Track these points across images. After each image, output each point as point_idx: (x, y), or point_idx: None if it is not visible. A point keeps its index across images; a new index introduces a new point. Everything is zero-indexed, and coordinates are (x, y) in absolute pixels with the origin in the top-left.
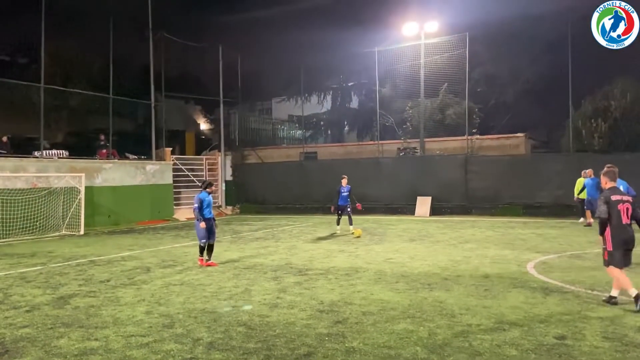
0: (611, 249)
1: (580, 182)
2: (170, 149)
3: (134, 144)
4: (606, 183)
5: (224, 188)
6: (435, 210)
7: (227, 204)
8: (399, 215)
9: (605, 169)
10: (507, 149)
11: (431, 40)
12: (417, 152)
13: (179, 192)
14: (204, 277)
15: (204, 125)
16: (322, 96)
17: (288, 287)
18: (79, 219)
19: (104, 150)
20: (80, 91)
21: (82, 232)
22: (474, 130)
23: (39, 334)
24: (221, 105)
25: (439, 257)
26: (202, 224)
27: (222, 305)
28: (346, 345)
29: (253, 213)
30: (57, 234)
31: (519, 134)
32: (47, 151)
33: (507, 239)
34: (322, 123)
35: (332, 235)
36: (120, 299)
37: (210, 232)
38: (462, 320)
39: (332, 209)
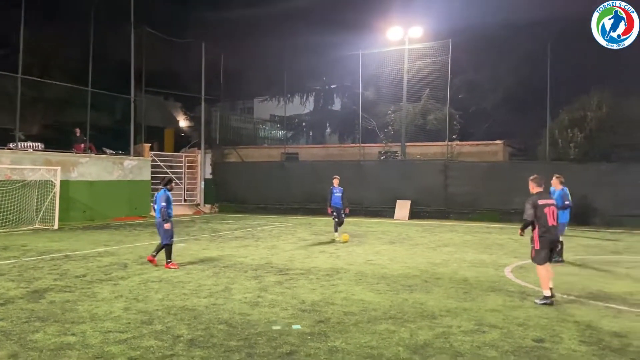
0: (538, 248)
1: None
2: (149, 145)
3: (112, 139)
4: (533, 188)
5: (203, 186)
6: (414, 214)
7: (205, 202)
8: (378, 218)
9: (532, 176)
10: (485, 155)
11: (415, 45)
12: (398, 156)
13: (157, 189)
14: (183, 274)
15: (184, 123)
16: (304, 97)
17: (269, 286)
18: (53, 213)
19: (81, 144)
20: (58, 83)
21: (56, 227)
22: (454, 136)
23: (13, 327)
24: (202, 103)
25: (419, 260)
26: (168, 225)
27: (203, 304)
28: (329, 344)
29: (232, 212)
30: (30, 227)
31: (497, 141)
32: (23, 143)
33: (485, 243)
34: (304, 124)
35: (312, 236)
36: (96, 294)
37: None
38: (443, 322)
39: (329, 210)
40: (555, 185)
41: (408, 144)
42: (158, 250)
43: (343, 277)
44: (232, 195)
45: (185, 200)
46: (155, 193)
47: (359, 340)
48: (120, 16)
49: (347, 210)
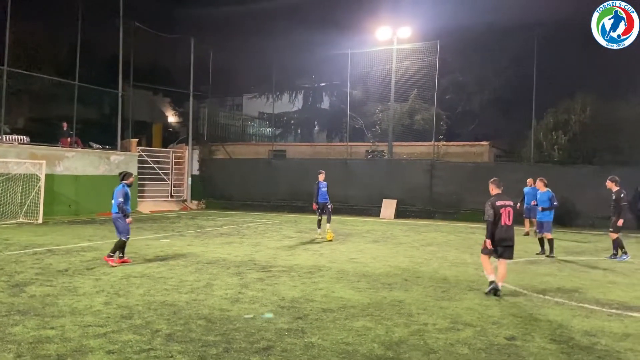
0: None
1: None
2: (137, 140)
3: (99, 133)
4: (493, 190)
5: (190, 182)
6: (400, 213)
7: (192, 198)
8: (364, 217)
9: (492, 178)
10: (471, 156)
11: (403, 46)
12: (384, 156)
13: (144, 185)
14: (165, 270)
15: (172, 118)
16: (293, 95)
17: (250, 283)
18: (37, 207)
19: (68, 139)
20: (45, 76)
21: (40, 221)
22: (440, 137)
23: None
24: (190, 99)
25: (401, 259)
26: (130, 219)
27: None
28: (305, 340)
29: (219, 209)
30: (14, 221)
31: (483, 142)
32: (8, 136)
33: (467, 243)
34: (292, 122)
35: (297, 233)
36: (78, 288)
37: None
38: (419, 320)
39: (314, 206)
40: (540, 187)
41: (395, 143)
42: (122, 249)
43: (325, 275)
44: (219, 191)
45: (172, 196)
46: (114, 188)
47: (336, 337)
48: (109, 10)
49: (331, 206)
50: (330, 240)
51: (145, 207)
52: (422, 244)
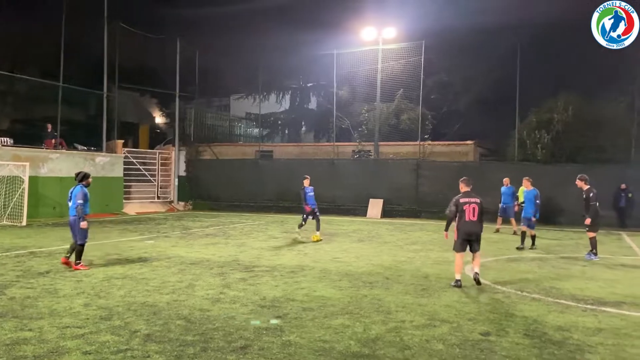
0: (456, 239)
1: (521, 190)
2: (122, 141)
3: (84, 135)
4: (462, 188)
5: (176, 183)
6: (386, 213)
7: (179, 199)
8: (351, 217)
9: (462, 177)
10: (456, 155)
11: (389, 46)
12: (371, 155)
13: (130, 186)
14: (148, 271)
15: (159, 119)
16: (280, 95)
17: (232, 283)
18: (21, 209)
19: (52, 140)
20: (29, 77)
21: (24, 223)
22: (426, 136)
23: None
24: (177, 99)
25: (384, 258)
26: (85, 224)
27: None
28: (283, 338)
29: (205, 210)
30: None
31: (468, 142)
32: None
33: (451, 242)
34: (279, 122)
35: (282, 234)
36: (58, 290)
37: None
38: (397, 317)
39: (307, 208)
40: (526, 186)
41: (381, 143)
42: (72, 251)
43: (307, 274)
44: (205, 192)
45: (158, 198)
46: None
47: (313, 335)
48: (94, 11)
49: (316, 209)
50: (317, 241)
51: (131, 208)
52: (406, 243)
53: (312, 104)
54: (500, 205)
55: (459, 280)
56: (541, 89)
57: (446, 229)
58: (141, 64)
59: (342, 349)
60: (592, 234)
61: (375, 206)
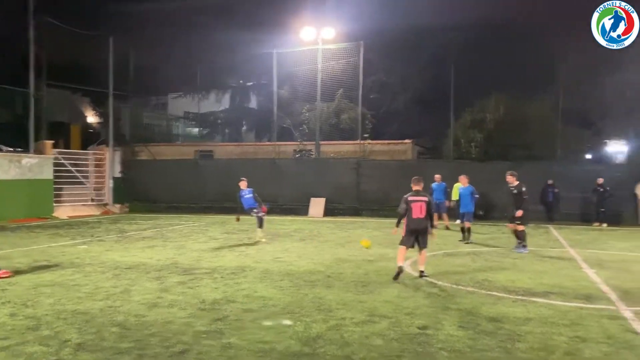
0: (404, 235)
1: (456, 187)
2: (52, 142)
3: (10, 136)
4: (413, 187)
5: (111, 185)
6: (328, 211)
7: (115, 202)
8: (293, 216)
9: (414, 177)
10: (396, 154)
11: (328, 46)
12: (312, 155)
13: (61, 189)
14: (80, 277)
15: (92, 119)
16: (220, 94)
17: (171, 287)
18: None
19: None
20: None
21: None
22: (366, 135)
23: None
24: (110, 98)
25: (326, 256)
26: None
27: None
28: (223, 341)
29: (143, 212)
30: None
31: (407, 141)
32: None
33: (391, 238)
34: (219, 121)
35: (223, 235)
36: None
37: None
38: (338, 315)
39: (237, 219)
40: (463, 183)
41: (322, 142)
42: None
43: (248, 275)
44: (143, 194)
45: (92, 200)
46: None
47: (254, 336)
48: (20, 4)
49: (265, 209)
50: (258, 242)
51: (63, 212)
52: (347, 241)
53: (253, 103)
54: (434, 201)
55: (401, 267)
56: (475, 89)
57: (397, 225)
58: (73, 62)
59: (283, 349)
60: (522, 227)
61: (316, 205)
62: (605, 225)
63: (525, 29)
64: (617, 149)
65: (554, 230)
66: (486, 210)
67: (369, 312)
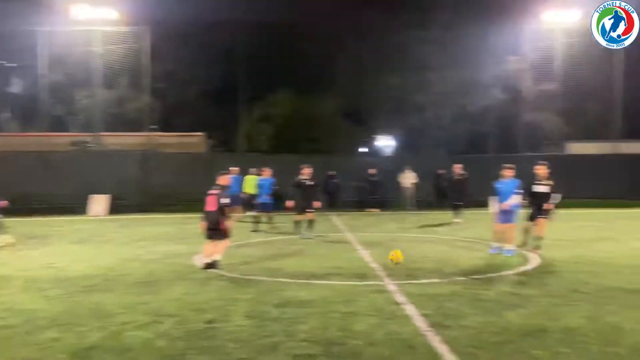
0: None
1: (248, 179)
2: None
3: None
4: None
5: None
6: (114, 209)
7: None
8: (71, 216)
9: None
10: (187, 146)
11: (107, 28)
12: (91, 147)
13: None
14: None
15: None
16: None
17: None
18: None
19: None
20: None
21: None
22: (154, 127)
23: None
24: None
25: (107, 258)
26: None
27: None
28: None
29: None
30: None
31: (198, 133)
32: None
33: (182, 234)
34: None
35: None
36: None
37: None
38: (118, 320)
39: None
40: (266, 175)
41: (104, 133)
42: None
43: (9, 287)
44: None
45: None
46: None
47: (15, 356)
48: None
49: (3, 204)
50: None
51: None
52: (133, 240)
53: (16, 87)
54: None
55: (211, 263)
56: (264, 85)
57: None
58: None
59: None
60: (312, 216)
61: (98, 202)
62: (377, 210)
63: (309, 30)
64: (385, 143)
65: (335, 218)
66: (277, 200)
67: (154, 313)
